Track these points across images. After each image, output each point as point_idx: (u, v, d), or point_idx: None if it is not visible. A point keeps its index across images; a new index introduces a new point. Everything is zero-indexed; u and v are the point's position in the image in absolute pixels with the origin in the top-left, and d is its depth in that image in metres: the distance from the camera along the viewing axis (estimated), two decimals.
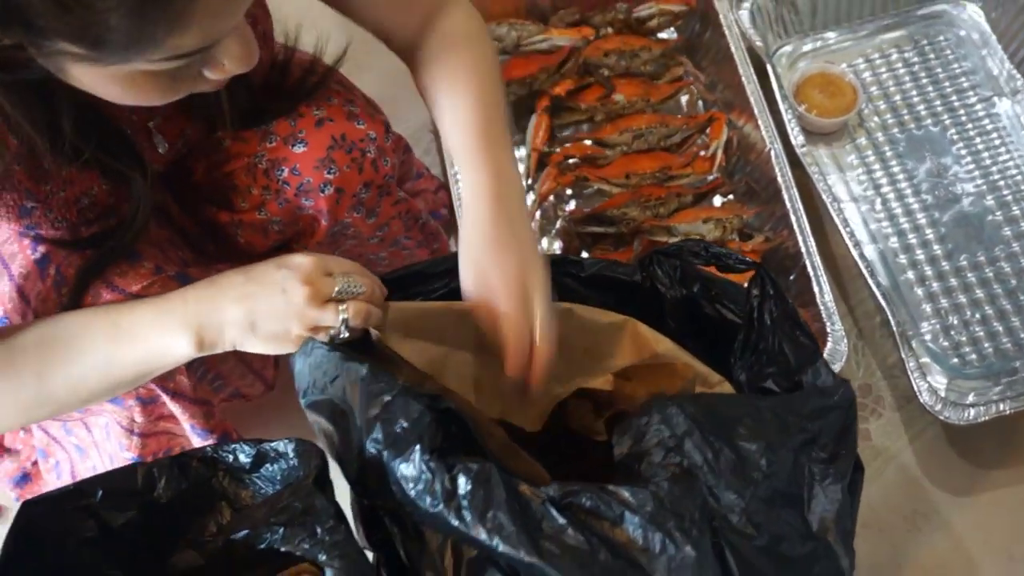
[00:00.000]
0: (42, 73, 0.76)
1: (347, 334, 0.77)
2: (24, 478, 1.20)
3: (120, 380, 0.88)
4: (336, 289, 0.80)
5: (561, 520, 0.68)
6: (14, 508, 1.16)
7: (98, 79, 0.74)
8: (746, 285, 0.83)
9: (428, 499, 0.70)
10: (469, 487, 0.70)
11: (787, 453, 0.74)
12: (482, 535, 0.69)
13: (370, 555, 0.81)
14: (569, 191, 1.28)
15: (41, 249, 0.90)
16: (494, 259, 0.84)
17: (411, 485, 0.72)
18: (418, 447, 0.71)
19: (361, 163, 1.00)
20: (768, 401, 0.77)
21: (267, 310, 0.82)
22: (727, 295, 0.89)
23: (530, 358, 0.82)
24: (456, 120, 0.94)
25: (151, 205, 0.94)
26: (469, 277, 0.85)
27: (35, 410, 0.89)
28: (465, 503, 0.70)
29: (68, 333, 0.88)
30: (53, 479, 1.16)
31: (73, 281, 0.94)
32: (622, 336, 0.86)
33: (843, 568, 0.77)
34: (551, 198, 1.25)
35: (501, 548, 0.68)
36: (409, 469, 0.71)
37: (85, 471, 1.12)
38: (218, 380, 1.08)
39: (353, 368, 0.76)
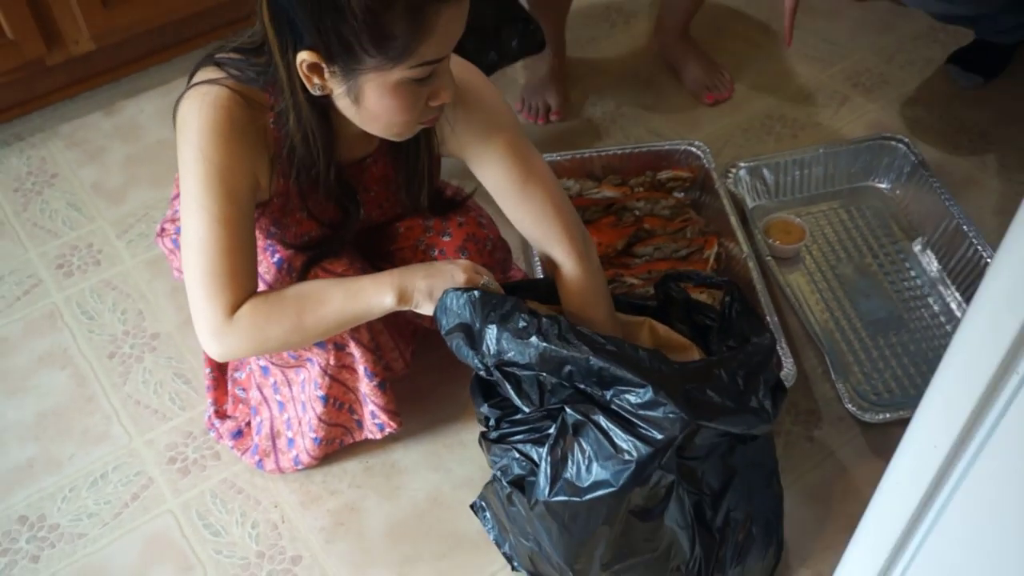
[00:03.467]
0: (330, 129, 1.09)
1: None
2: (238, 433, 1.41)
3: (346, 320, 1.14)
4: (484, 279, 1.12)
5: (599, 339, 1.05)
6: (230, 456, 1.43)
7: (379, 91, 1.01)
8: (723, 295, 1.23)
9: (532, 334, 1.05)
10: (549, 321, 1.06)
11: (732, 373, 1.09)
12: (561, 347, 1.04)
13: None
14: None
15: (278, 255, 1.25)
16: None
17: (517, 333, 1.06)
18: (518, 312, 1.07)
19: (483, 252, 1.34)
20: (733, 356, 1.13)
21: (441, 284, 1.11)
22: (705, 309, 1.29)
23: None
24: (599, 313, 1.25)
25: (350, 240, 1.27)
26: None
27: (292, 335, 1.13)
28: (550, 327, 1.05)
29: (315, 290, 1.14)
30: (254, 433, 1.39)
31: (300, 269, 1.23)
32: (643, 328, 1.28)
33: (769, 428, 1.14)
34: None
35: (572, 352, 1.03)
36: (517, 323, 1.06)
37: (281, 424, 1.37)
38: (379, 349, 1.31)
39: (477, 294, 1.08)
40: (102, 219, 1.80)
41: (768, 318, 1.48)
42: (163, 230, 1.44)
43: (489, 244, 1.35)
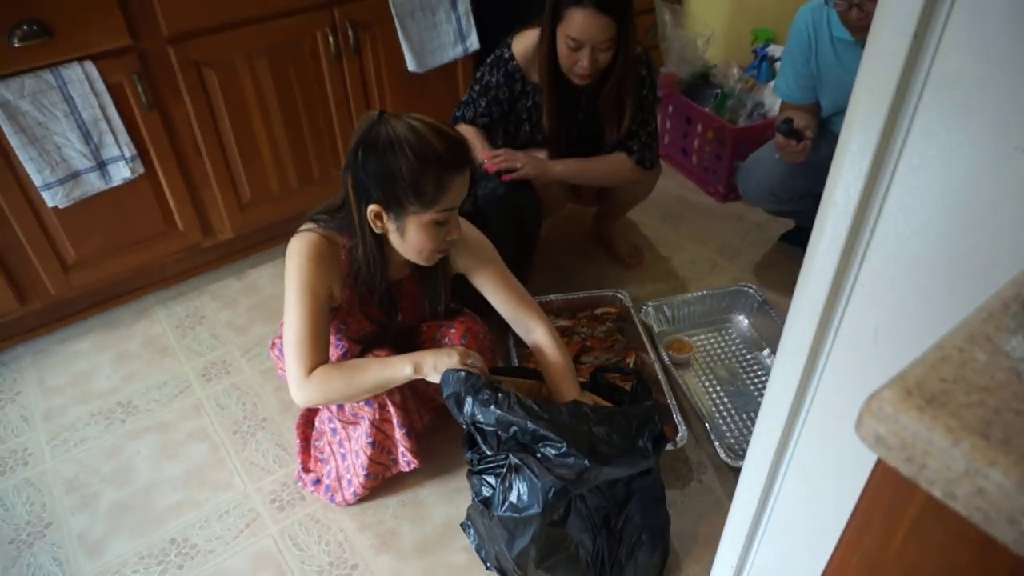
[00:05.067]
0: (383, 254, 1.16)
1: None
2: (316, 482, 1.43)
3: (381, 383, 1.18)
4: (470, 360, 1.16)
5: (537, 408, 1.07)
6: (311, 499, 1.42)
7: (416, 227, 1.11)
8: (632, 384, 1.29)
9: (491, 404, 1.08)
10: (502, 396, 1.09)
11: (629, 423, 1.12)
12: (508, 414, 1.07)
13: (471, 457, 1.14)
14: None
15: (343, 347, 1.30)
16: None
17: (483, 403, 1.09)
18: (486, 389, 1.10)
19: (477, 338, 1.39)
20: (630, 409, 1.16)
21: (443, 362, 1.15)
22: (620, 392, 1.32)
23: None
24: (565, 382, 1.27)
25: (390, 337, 1.33)
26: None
27: (346, 391, 1.18)
28: (503, 400, 1.08)
29: (362, 362, 1.20)
30: (326, 477, 1.40)
31: (357, 354, 1.29)
32: (583, 396, 1.28)
33: (650, 463, 1.13)
34: None
35: (515, 419, 1.06)
36: (483, 395, 1.10)
37: (343, 469, 1.37)
38: (408, 410, 1.33)
39: (463, 374, 1.12)
40: (232, 345, 1.85)
41: (669, 402, 1.52)
42: (273, 344, 1.51)
43: (481, 334, 1.41)
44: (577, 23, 1.44)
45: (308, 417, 1.49)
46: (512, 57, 1.65)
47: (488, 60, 1.70)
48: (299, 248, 1.16)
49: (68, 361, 1.80)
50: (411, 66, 2.00)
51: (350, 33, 1.87)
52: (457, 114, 1.73)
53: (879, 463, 0.44)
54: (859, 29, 1.52)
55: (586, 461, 1.05)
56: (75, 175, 1.62)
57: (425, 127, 1.08)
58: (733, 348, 1.80)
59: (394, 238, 1.17)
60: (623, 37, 1.51)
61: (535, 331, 1.31)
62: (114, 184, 1.68)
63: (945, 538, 0.39)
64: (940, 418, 0.36)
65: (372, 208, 1.12)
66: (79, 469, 1.53)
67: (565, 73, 1.56)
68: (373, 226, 1.15)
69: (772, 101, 2.26)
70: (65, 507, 1.46)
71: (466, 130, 1.70)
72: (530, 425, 1.06)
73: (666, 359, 1.67)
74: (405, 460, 1.36)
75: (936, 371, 0.39)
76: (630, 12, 1.50)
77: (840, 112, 1.78)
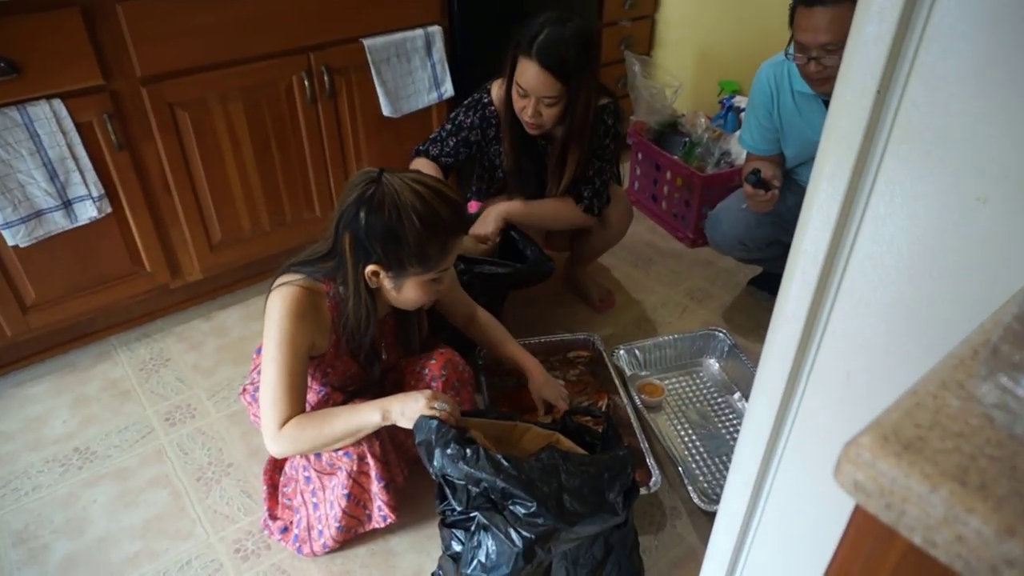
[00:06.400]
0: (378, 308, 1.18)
1: (438, 416, 1.10)
2: (284, 529, 1.39)
3: (350, 431, 1.16)
4: (436, 403, 1.12)
5: (506, 463, 1.03)
6: (277, 547, 1.37)
7: (414, 286, 1.15)
8: (603, 427, 1.28)
9: (459, 460, 1.04)
10: (471, 451, 1.05)
11: (600, 474, 1.10)
12: (477, 471, 1.03)
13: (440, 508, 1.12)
14: None
15: (324, 391, 1.28)
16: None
17: (451, 458, 1.05)
18: (454, 442, 1.06)
19: (456, 369, 1.38)
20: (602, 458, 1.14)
21: (411, 407, 1.13)
22: (591, 433, 1.30)
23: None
24: (508, 343, 1.39)
25: (374, 380, 1.33)
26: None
27: (317, 440, 1.16)
28: (471, 457, 1.04)
29: (332, 412, 1.18)
30: (295, 527, 1.36)
31: (340, 401, 1.28)
32: (552, 437, 1.28)
33: (620, 517, 1.10)
34: None
35: (484, 475, 1.03)
36: (451, 449, 1.06)
37: (314, 519, 1.34)
38: (387, 463, 1.30)
39: (433, 424, 1.09)
40: (198, 387, 1.81)
41: (642, 445, 1.50)
42: (244, 389, 1.47)
43: (460, 366, 1.40)
44: (525, 73, 1.50)
45: (276, 463, 1.46)
46: (491, 102, 1.68)
47: (466, 102, 1.73)
48: (281, 304, 1.15)
49: (21, 406, 1.75)
50: (386, 111, 2.03)
51: (326, 78, 1.89)
52: (421, 148, 1.74)
53: (857, 509, 0.44)
54: (818, 82, 1.58)
55: (555, 522, 1.03)
56: (39, 214, 1.59)
57: (429, 192, 1.10)
58: (704, 391, 1.80)
59: (389, 293, 1.19)
60: (573, 98, 1.54)
61: (476, 312, 1.44)
62: (80, 223, 1.66)
63: None
64: (917, 464, 0.36)
65: (371, 268, 1.13)
66: (29, 519, 1.47)
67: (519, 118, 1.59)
68: (368, 282, 1.16)
69: (738, 150, 2.32)
70: (12, 561, 1.39)
71: (423, 164, 1.71)
72: (499, 483, 1.04)
73: (638, 402, 1.66)
74: (382, 515, 1.33)
75: (911, 417, 0.39)
76: (583, 77, 1.51)
77: (803, 163, 1.84)
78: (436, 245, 1.09)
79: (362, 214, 1.09)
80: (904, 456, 0.37)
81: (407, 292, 1.17)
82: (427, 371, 1.38)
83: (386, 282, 1.16)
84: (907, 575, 0.40)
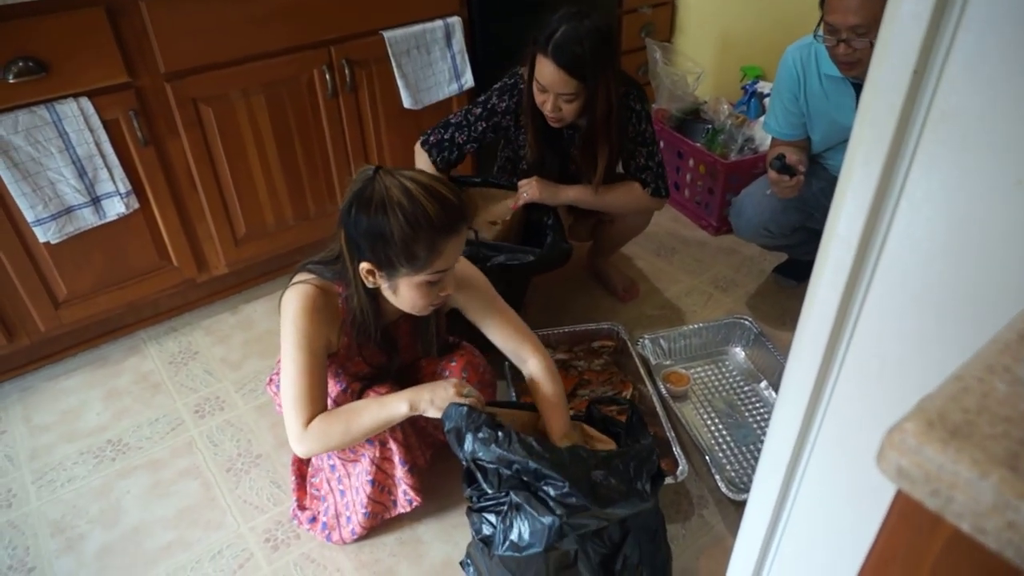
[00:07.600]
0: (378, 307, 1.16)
1: (466, 404, 1.11)
2: (312, 519, 1.40)
3: (378, 424, 1.16)
4: (464, 391, 1.14)
5: (537, 447, 1.05)
6: (307, 537, 1.39)
7: (408, 287, 1.11)
8: (628, 411, 1.28)
9: (491, 443, 1.06)
10: (503, 434, 1.07)
11: (626, 464, 1.11)
12: (510, 453, 1.05)
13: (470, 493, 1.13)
14: None
15: (342, 383, 1.28)
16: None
17: (484, 441, 1.07)
18: (486, 426, 1.08)
19: (478, 371, 1.38)
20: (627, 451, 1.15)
21: (441, 395, 1.14)
22: (615, 423, 1.31)
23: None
24: (552, 406, 1.26)
25: (390, 376, 1.32)
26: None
27: (344, 437, 1.16)
28: (504, 439, 1.06)
29: (358, 406, 1.18)
30: (322, 515, 1.38)
31: (357, 392, 1.28)
32: (578, 427, 1.29)
33: (649, 505, 1.11)
34: None
35: (516, 457, 1.04)
36: (483, 433, 1.07)
37: (342, 506, 1.35)
38: (410, 447, 1.31)
39: (464, 410, 1.10)
40: (227, 380, 1.83)
41: (668, 435, 1.49)
42: (271, 380, 1.49)
43: (481, 367, 1.40)
44: (543, 71, 1.49)
45: None
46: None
47: (497, 85, 1.70)
48: (294, 302, 1.15)
49: (56, 399, 1.77)
50: (406, 103, 2.02)
51: (347, 71, 1.89)
52: (445, 136, 1.67)
53: (899, 496, 0.43)
54: (847, 65, 1.55)
55: (587, 502, 1.03)
56: (68, 210, 1.61)
57: (420, 188, 1.06)
58: (730, 380, 1.78)
59: (387, 293, 1.18)
60: (592, 94, 1.53)
61: (529, 362, 1.30)
62: (108, 219, 1.67)
63: (973, 573, 0.38)
64: (966, 450, 0.36)
65: (364, 266, 1.12)
66: (66, 510, 1.50)
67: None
68: (366, 281, 1.15)
69: (762, 136, 2.28)
70: (50, 550, 1.42)
71: (424, 164, 1.68)
72: (531, 464, 1.05)
73: (664, 391, 1.65)
74: (407, 499, 1.34)
75: (957, 402, 0.38)
76: (601, 73, 1.50)
77: (831, 147, 1.81)
78: (423, 244, 1.05)
79: (353, 211, 1.08)
80: (951, 442, 0.36)
81: (404, 293, 1.14)
82: (447, 373, 1.38)
83: (381, 282, 1.14)
84: (952, 560, 0.39)
